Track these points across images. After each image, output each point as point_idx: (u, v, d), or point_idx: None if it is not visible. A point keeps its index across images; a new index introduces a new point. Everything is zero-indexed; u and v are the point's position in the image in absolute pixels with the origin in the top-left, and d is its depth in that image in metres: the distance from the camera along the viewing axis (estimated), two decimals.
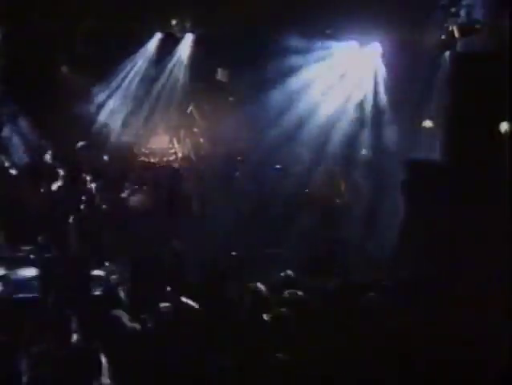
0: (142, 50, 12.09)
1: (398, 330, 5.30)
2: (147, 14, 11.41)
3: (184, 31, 11.83)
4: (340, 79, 12.00)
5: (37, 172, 10.14)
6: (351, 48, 11.82)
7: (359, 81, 12.00)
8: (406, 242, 9.15)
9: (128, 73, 12.10)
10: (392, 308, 5.85)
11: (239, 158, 11.76)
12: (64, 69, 11.77)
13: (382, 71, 11.70)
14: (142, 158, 12.07)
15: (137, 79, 12.19)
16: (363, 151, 11.25)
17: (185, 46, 12.12)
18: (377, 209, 10.57)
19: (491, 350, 5.04)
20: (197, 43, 12.02)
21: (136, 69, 12.14)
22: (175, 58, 12.27)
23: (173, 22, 11.70)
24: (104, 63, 11.85)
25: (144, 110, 12.27)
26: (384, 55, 11.57)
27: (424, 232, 8.85)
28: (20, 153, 10.77)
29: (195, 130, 12.45)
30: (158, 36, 11.94)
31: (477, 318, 5.54)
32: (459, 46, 9.66)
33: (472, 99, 9.06)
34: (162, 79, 12.38)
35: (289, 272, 6.99)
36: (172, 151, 12.04)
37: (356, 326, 5.45)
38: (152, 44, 12.01)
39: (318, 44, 11.89)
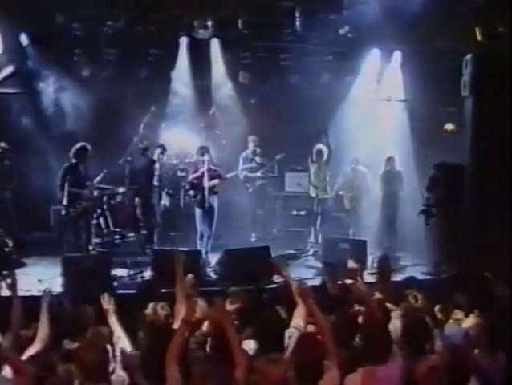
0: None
1: None
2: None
3: (208, 34, 11.80)
4: (362, 84, 12.21)
5: None
6: (373, 54, 12.07)
7: (380, 86, 12.24)
8: None
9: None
10: None
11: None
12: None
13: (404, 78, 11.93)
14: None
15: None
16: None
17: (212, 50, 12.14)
18: None
19: None
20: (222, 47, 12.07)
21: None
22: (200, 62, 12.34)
23: (196, 24, 11.64)
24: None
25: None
26: (405, 61, 11.79)
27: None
28: None
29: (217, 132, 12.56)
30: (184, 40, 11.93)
31: None
32: (482, 49, 9.79)
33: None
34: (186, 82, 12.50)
35: None
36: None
37: None
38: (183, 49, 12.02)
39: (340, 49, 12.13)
